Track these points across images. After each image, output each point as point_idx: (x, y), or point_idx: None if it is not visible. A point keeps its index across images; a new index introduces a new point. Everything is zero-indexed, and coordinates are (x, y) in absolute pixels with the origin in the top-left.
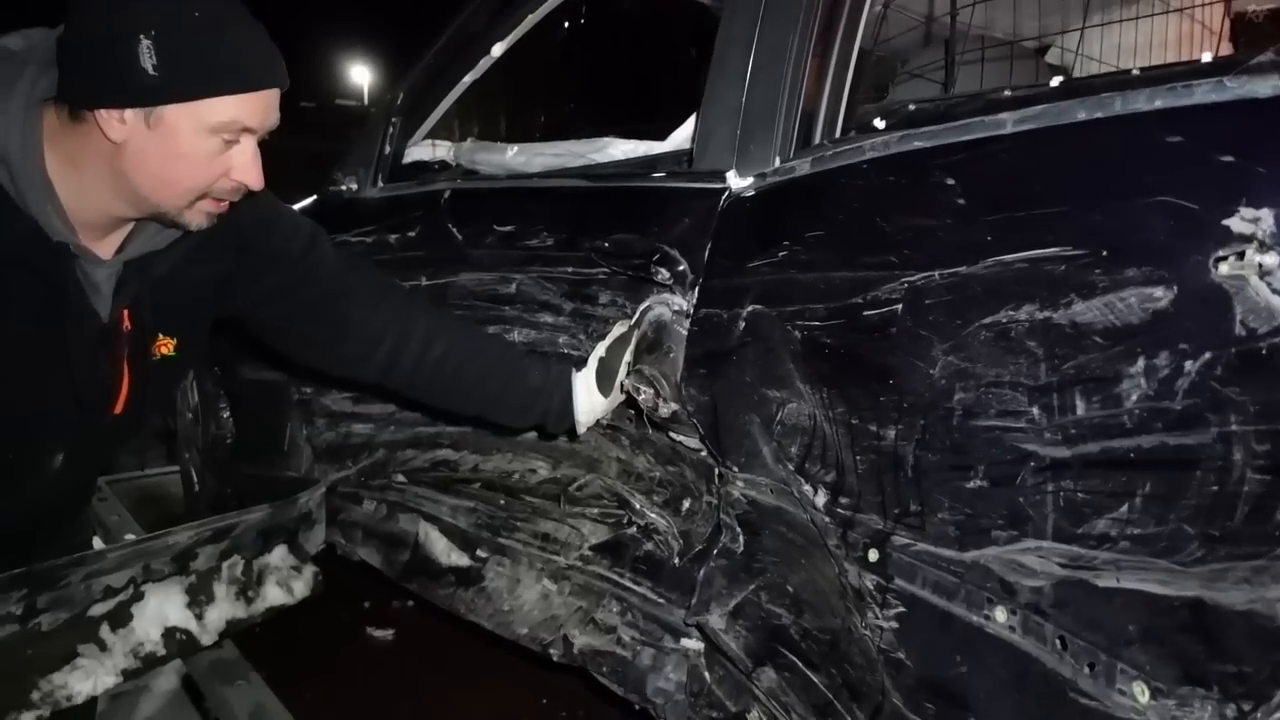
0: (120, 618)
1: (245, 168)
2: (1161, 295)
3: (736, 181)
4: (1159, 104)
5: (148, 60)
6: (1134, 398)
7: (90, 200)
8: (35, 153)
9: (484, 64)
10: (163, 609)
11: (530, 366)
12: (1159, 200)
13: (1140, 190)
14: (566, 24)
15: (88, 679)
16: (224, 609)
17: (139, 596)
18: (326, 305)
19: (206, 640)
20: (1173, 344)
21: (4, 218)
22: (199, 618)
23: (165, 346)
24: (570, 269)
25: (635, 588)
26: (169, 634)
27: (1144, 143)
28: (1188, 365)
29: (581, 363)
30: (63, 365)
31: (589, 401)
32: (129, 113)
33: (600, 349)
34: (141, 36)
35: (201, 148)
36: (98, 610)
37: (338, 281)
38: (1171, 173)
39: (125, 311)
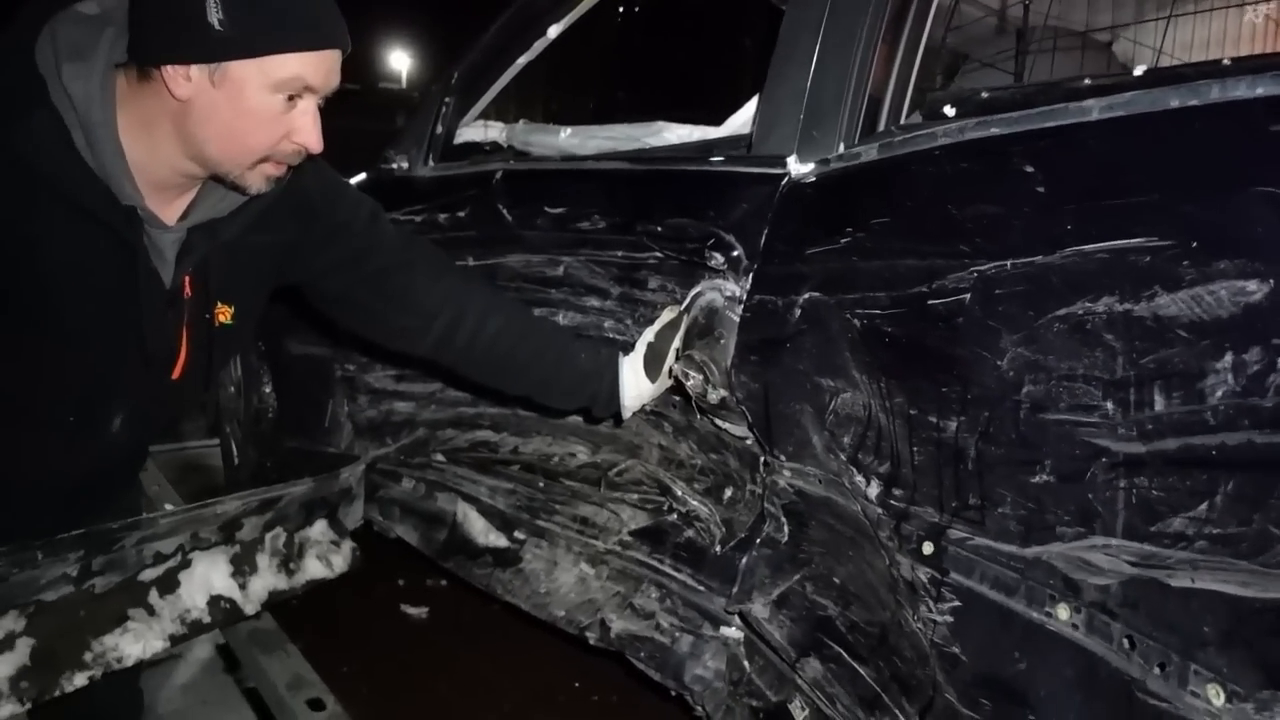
0: (168, 584)
1: (306, 130)
2: (1255, 289)
3: (797, 167)
4: (1261, 91)
5: (214, 15)
6: (1219, 394)
7: (158, 161)
8: (111, 116)
9: (539, 45)
10: (209, 577)
11: (580, 349)
12: (1259, 190)
13: (1238, 180)
14: (621, 8)
15: (138, 642)
16: (266, 580)
17: (187, 564)
18: (387, 278)
19: (249, 610)
20: (1265, 339)
21: (83, 180)
22: (243, 587)
23: (224, 314)
24: (620, 253)
25: (675, 574)
26: (214, 602)
27: (1244, 131)
28: None
29: (629, 347)
30: (133, 327)
31: (636, 386)
32: (194, 69)
33: (649, 334)
34: None
35: (265, 105)
36: (148, 575)
37: (398, 255)
38: (1274, 163)
39: (187, 278)
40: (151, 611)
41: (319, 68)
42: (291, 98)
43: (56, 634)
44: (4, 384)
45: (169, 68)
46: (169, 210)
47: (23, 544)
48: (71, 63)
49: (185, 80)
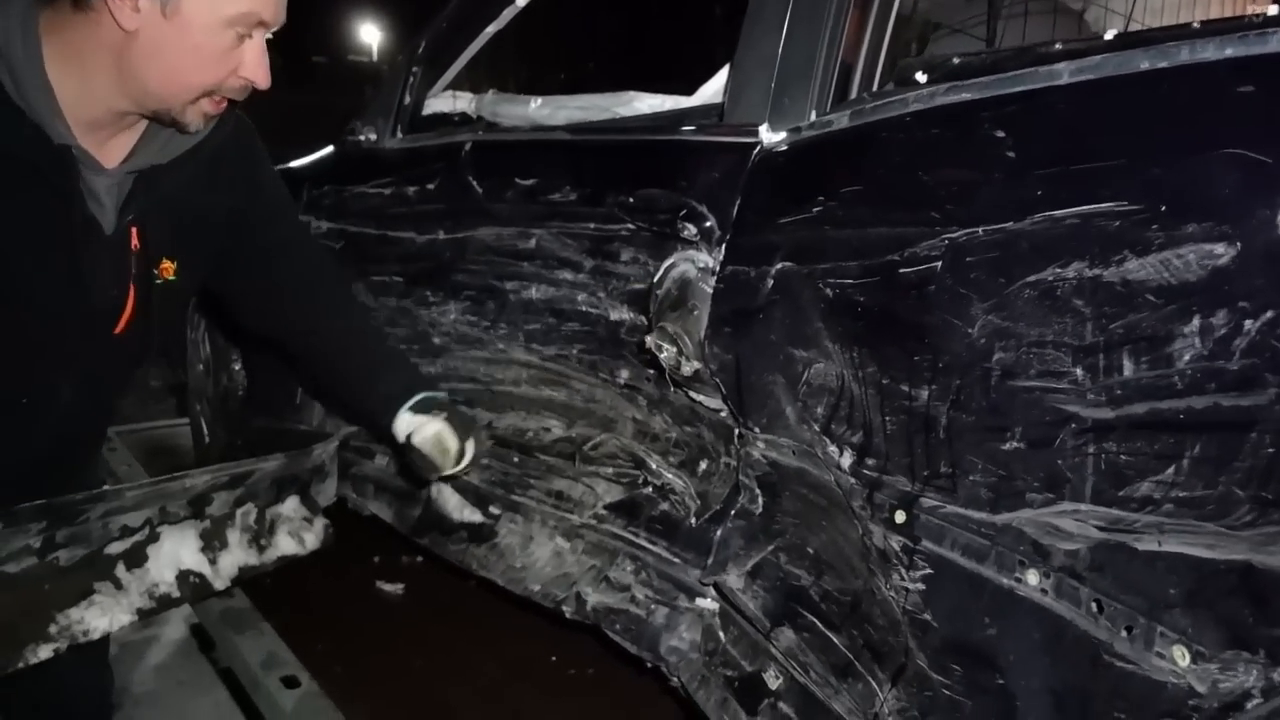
0: (136, 557)
1: (255, 65)
2: (1223, 252)
3: (769, 136)
4: (1230, 53)
5: None
6: (1187, 358)
7: (90, 97)
8: (36, 50)
9: (508, 14)
10: (177, 551)
11: (386, 375)
12: (1227, 153)
13: (1208, 143)
14: None
15: (104, 615)
16: (237, 555)
17: (154, 538)
18: (309, 269)
19: (219, 585)
20: (1232, 302)
21: (8, 120)
22: (212, 562)
23: (167, 270)
24: (592, 225)
25: (650, 547)
26: (183, 577)
27: (1213, 94)
28: (1247, 324)
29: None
30: (74, 279)
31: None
32: (144, 0)
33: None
34: None
35: (215, 41)
36: (114, 549)
37: (317, 253)
38: (1243, 125)
39: (133, 229)
40: (119, 585)
41: (270, 2)
42: (241, 35)
43: (19, 606)
44: None
45: None
46: (106, 153)
47: None
48: None
49: (133, 11)
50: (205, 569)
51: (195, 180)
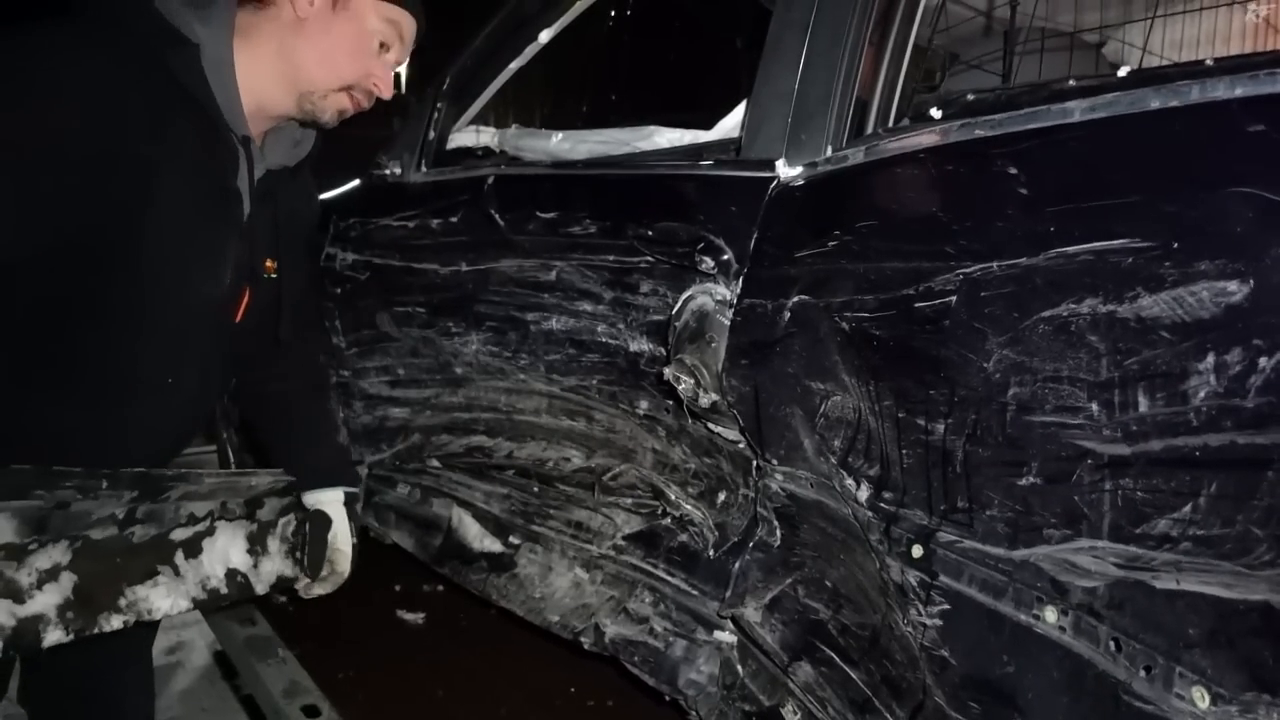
0: (193, 548)
1: (385, 78)
2: (1236, 289)
3: (786, 170)
4: (1240, 92)
5: None
6: (1203, 395)
7: (256, 91)
8: (230, 50)
9: (531, 50)
10: (228, 549)
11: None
12: (1239, 191)
13: (1219, 181)
14: (613, 12)
15: (168, 597)
16: (275, 563)
17: (211, 531)
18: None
19: (259, 589)
20: (1247, 339)
21: (209, 111)
22: (255, 566)
23: (270, 268)
24: (612, 257)
25: (669, 579)
26: (230, 575)
27: (1224, 132)
28: (1263, 361)
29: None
30: (222, 261)
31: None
32: None
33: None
34: None
35: (367, 40)
36: (178, 535)
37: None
38: (1254, 163)
39: (254, 225)
40: (177, 572)
41: (408, 30)
42: (383, 45)
43: (98, 575)
44: (95, 354)
45: None
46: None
47: (91, 473)
48: (199, 8)
49: (307, 4)
50: (249, 571)
51: (298, 190)
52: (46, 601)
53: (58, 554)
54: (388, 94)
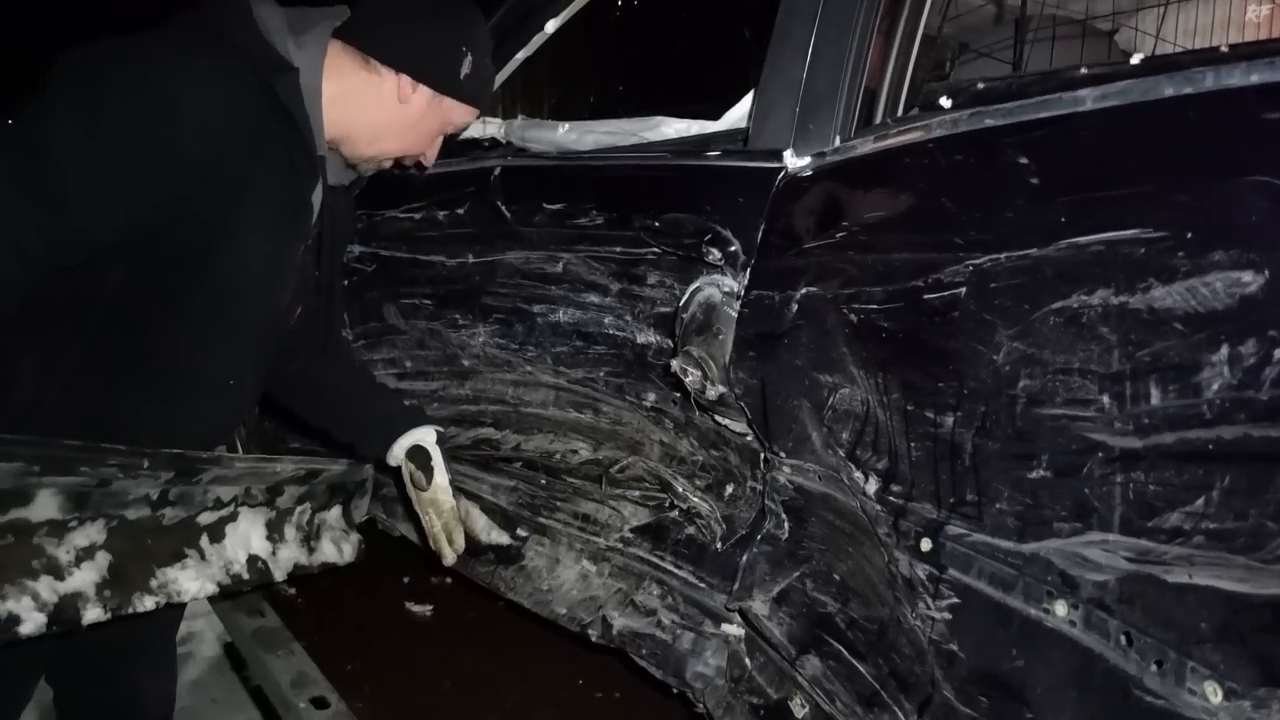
0: (217, 533)
1: (433, 153)
2: (1250, 280)
3: (794, 161)
4: (1255, 79)
5: (465, 68)
6: (1215, 387)
7: (329, 114)
8: (319, 75)
9: (537, 40)
10: (249, 535)
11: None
12: (1254, 180)
13: (1233, 170)
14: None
15: (195, 580)
16: (292, 551)
17: (234, 517)
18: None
19: (278, 576)
20: (1261, 330)
21: (299, 126)
22: (273, 553)
23: (320, 276)
24: (619, 248)
25: (676, 571)
26: (251, 560)
27: (1239, 120)
28: (1277, 353)
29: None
30: (291, 268)
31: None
32: (423, 87)
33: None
34: (465, 49)
35: (435, 130)
36: (204, 519)
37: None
38: (1268, 151)
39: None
40: (202, 556)
41: (470, 120)
42: (443, 132)
43: (131, 554)
44: (172, 352)
45: (405, 76)
46: None
47: (134, 451)
48: (297, 35)
49: (410, 90)
50: (268, 557)
51: (347, 206)
52: (85, 579)
53: (94, 533)
54: (430, 163)
